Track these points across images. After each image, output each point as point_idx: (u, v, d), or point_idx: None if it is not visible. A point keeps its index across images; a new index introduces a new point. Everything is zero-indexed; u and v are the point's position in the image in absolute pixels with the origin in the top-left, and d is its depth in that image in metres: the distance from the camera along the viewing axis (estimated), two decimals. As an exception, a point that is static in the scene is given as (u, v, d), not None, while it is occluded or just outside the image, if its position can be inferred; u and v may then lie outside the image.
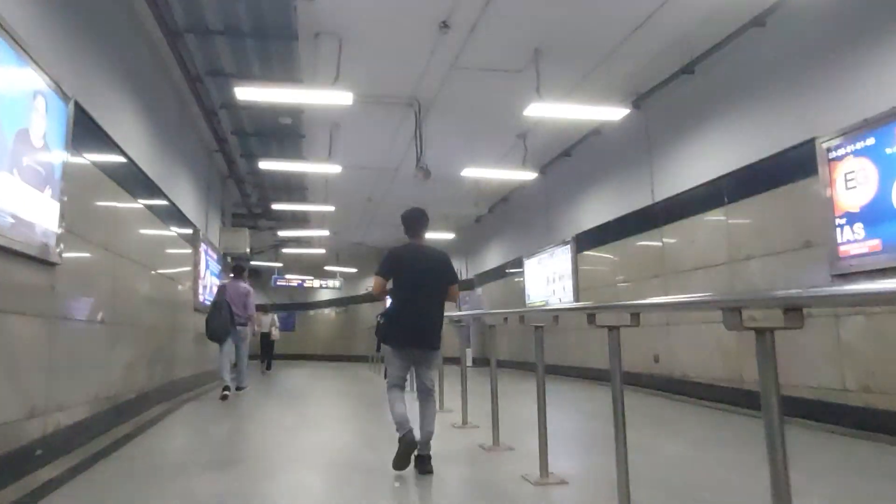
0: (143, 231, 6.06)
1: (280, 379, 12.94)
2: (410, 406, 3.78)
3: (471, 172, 9.28)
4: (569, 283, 10.23)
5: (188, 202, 8.49)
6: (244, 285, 8.40)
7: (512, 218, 13.43)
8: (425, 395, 3.88)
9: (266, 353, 15.18)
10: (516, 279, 13.13)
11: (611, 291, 8.81)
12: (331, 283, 21.09)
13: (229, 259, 12.20)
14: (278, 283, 20.35)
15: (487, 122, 8.83)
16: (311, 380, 13.22)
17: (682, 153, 7.23)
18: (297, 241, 17.04)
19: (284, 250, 17.62)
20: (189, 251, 8.44)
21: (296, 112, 8.04)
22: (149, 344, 6.23)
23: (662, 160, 7.61)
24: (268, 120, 8.46)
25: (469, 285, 16.54)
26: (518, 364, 12.53)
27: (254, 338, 9.46)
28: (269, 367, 14.79)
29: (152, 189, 6.38)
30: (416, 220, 4.05)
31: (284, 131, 8.79)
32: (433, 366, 3.99)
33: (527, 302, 12.21)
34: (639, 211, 8.09)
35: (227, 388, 7.72)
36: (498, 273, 14.43)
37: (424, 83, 7.50)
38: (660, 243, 7.58)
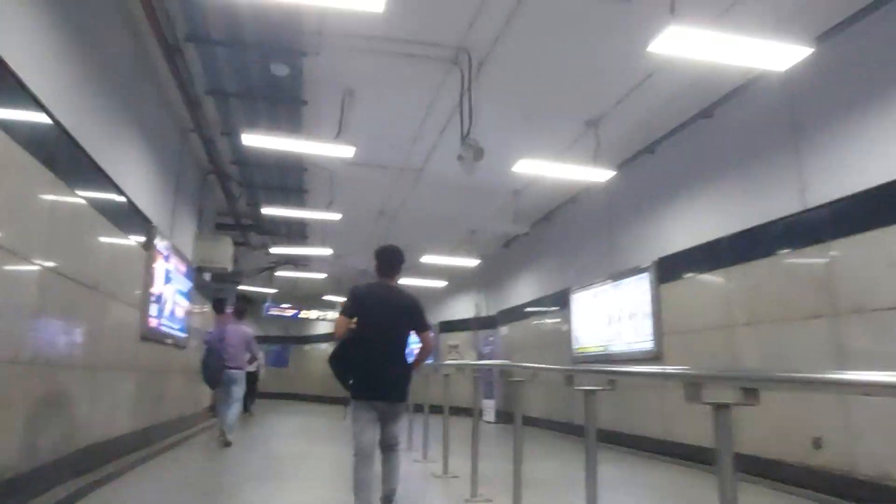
0: (47, 210, 3.73)
1: (260, 432, 10.34)
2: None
3: (526, 167, 6.91)
4: (645, 325, 7.77)
5: (143, 189, 6.14)
6: (245, 328, 7.83)
7: (554, 241, 11.03)
8: (389, 449, 3.69)
9: (247, 391, 12.60)
10: (556, 318, 10.67)
11: (720, 338, 6.33)
12: (329, 314, 18.58)
13: (205, 276, 9.76)
14: (271, 313, 17.86)
15: (550, 96, 6.56)
16: (300, 437, 10.60)
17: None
18: (294, 264, 14.62)
19: (279, 273, 15.17)
20: (138, 256, 6.04)
21: (294, 60, 5.71)
22: (43, 391, 3.78)
23: (819, 147, 5.27)
24: (255, 70, 6.07)
25: (490, 324, 14.04)
26: (558, 425, 9.97)
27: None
28: (246, 409, 12.14)
29: (72, 150, 4.08)
30: (390, 258, 3.86)
31: (278, 90, 6.45)
32: (399, 419, 3.74)
33: (574, 347, 9.73)
34: (777, 222, 5.68)
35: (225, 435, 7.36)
36: (528, 310, 11.96)
37: (476, 30, 5.27)
38: (823, 263, 5.14)
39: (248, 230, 11.73)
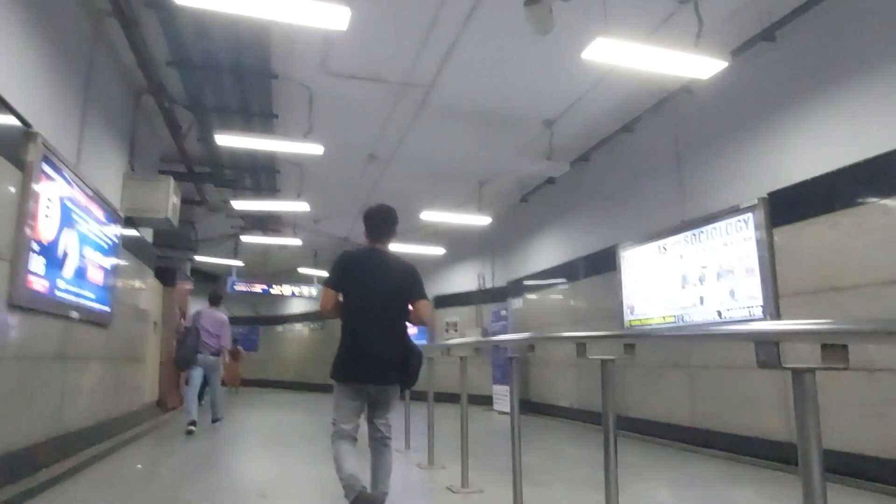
0: None
1: (221, 438, 8.05)
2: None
3: (598, 54, 4.64)
4: (749, 284, 5.67)
5: (14, 74, 3.78)
6: (221, 315, 7.85)
7: (594, 187, 8.86)
8: (380, 443, 3.21)
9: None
10: (595, 285, 8.55)
11: (888, 295, 4.26)
12: (305, 290, 16.20)
13: (140, 232, 7.37)
14: (236, 288, 15.40)
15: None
16: (276, 448, 8.35)
17: None
18: (263, 229, 12.20)
19: (245, 240, 12.73)
20: (3, 175, 3.68)
21: None
22: None
23: None
24: None
25: (498, 297, 11.89)
26: (592, 415, 7.90)
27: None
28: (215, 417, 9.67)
29: None
30: (381, 221, 3.36)
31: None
32: (391, 406, 3.24)
33: (626, 320, 7.62)
34: None
35: (192, 422, 7.16)
36: (552, 279, 9.81)
37: None
38: None
39: (204, 180, 9.30)
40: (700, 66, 4.87)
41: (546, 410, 9.71)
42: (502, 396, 10.62)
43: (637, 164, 7.74)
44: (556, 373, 9.51)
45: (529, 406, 10.28)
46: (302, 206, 9.42)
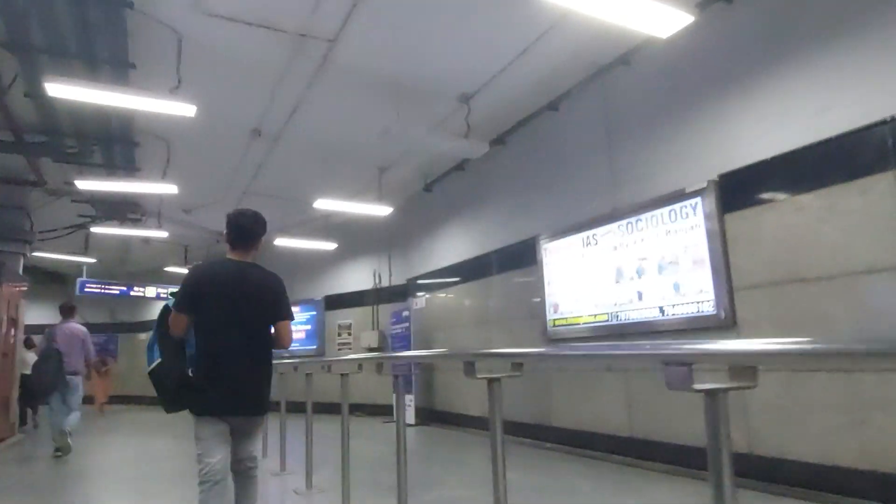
0: None
1: (66, 469, 6.33)
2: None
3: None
4: (697, 277, 5.10)
5: None
6: (78, 326, 7.34)
7: (510, 173, 8.07)
8: (247, 475, 2.98)
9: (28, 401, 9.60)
10: (513, 281, 7.79)
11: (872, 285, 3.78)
12: (172, 291, 14.14)
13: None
14: (89, 290, 13.11)
15: None
16: (134, 478, 6.79)
17: None
18: (120, 219, 10.27)
19: (97, 231, 10.68)
20: None
21: None
22: None
23: None
24: None
25: (397, 296, 10.91)
26: (508, 426, 7.07)
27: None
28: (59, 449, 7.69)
29: None
30: (248, 229, 2.98)
31: None
32: (257, 436, 3.10)
33: (549, 318, 6.90)
34: None
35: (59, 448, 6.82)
36: (460, 276, 8.95)
37: None
38: None
39: (38, 153, 7.43)
40: (663, 19, 4.16)
41: (453, 420, 8.81)
42: (407, 406, 9.59)
43: (562, 146, 7.05)
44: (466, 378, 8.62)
45: (434, 416, 9.35)
46: (168, 189, 7.83)
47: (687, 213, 5.26)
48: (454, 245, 9.29)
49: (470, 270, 8.74)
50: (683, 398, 5.25)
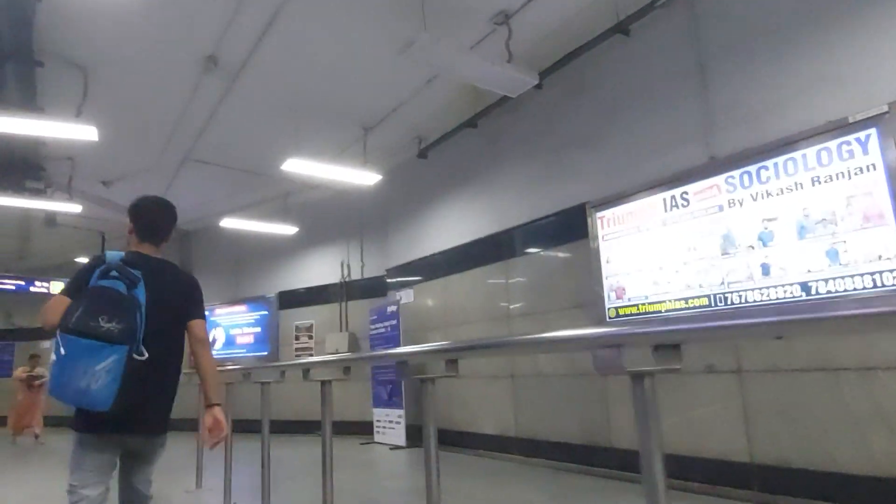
0: None
1: None
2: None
3: None
4: (869, 237, 3.62)
5: None
6: None
7: (539, 130, 6.45)
8: None
9: None
10: (554, 261, 6.15)
11: None
12: (87, 288, 11.63)
13: None
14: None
15: None
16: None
17: None
18: (12, 178, 7.89)
19: None
20: None
21: None
22: None
23: None
24: None
25: (374, 290, 9.11)
26: (536, 447, 5.51)
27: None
28: None
29: None
30: (157, 217, 2.61)
31: None
32: (156, 460, 2.50)
33: (609, 307, 5.29)
34: None
35: None
36: (472, 257, 7.21)
37: None
38: None
39: None
40: None
41: (456, 440, 7.04)
42: (389, 424, 7.71)
43: (628, 82, 5.45)
44: (479, 389, 6.88)
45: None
46: (83, 133, 5.68)
47: (852, 151, 3.78)
48: (455, 223, 7.54)
49: (479, 253, 7.03)
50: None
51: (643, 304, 5.03)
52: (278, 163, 7.11)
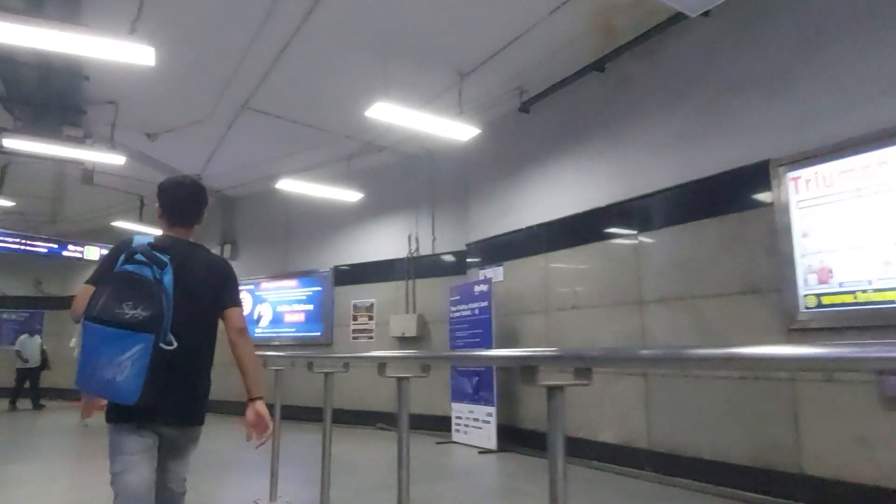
0: None
1: None
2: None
3: None
4: None
5: None
6: None
7: (691, 73, 5.23)
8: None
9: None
10: (714, 233, 4.93)
11: None
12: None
13: None
14: (1, 245, 9.54)
15: None
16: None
17: None
18: (45, 124, 6.85)
19: (13, 144, 7.11)
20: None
21: None
22: None
23: None
24: None
25: (447, 267, 8.05)
26: (675, 462, 4.36)
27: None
28: None
29: None
30: (187, 199, 2.45)
31: None
32: (188, 455, 2.38)
33: (805, 294, 4.08)
34: None
35: None
36: (586, 229, 6.03)
37: None
38: None
39: None
40: None
41: (569, 448, 5.90)
42: (474, 423, 6.59)
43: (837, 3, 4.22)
44: (598, 387, 5.73)
45: (518, 437, 6.41)
46: (138, 55, 4.58)
47: None
48: (563, 189, 6.34)
49: (599, 225, 5.83)
50: None
51: (865, 292, 3.81)
52: (349, 114, 5.99)
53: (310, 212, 9.77)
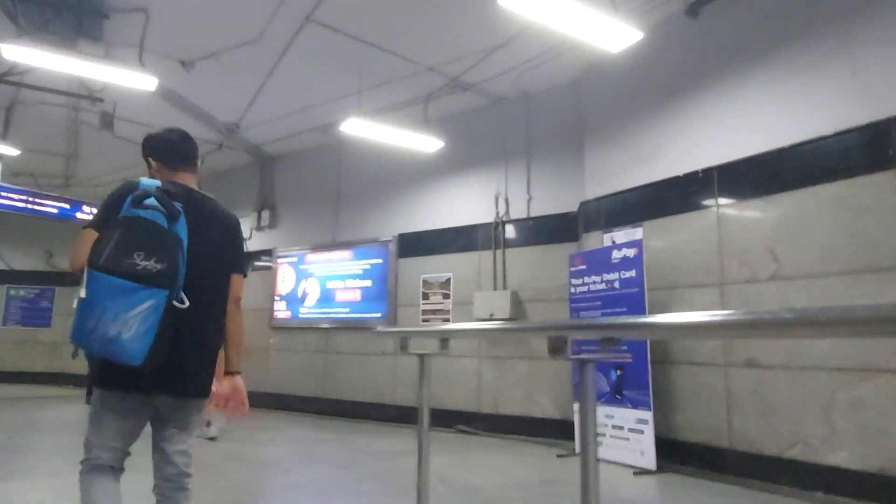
0: None
1: None
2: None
3: None
4: None
5: None
6: None
7: None
8: (172, 484, 2.01)
9: None
10: None
11: None
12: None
13: None
14: (1, 202, 8.05)
15: None
16: None
17: None
18: (62, 21, 5.29)
19: (11, 53, 5.52)
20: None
21: None
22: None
23: None
24: None
25: (542, 233, 6.43)
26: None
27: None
28: None
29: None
30: (179, 142, 2.20)
31: None
32: (192, 428, 2.09)
33: None
34: None
35: None
36: (783, 172, 4.38)
37: None
38: None
39: None
40: None
41: (731, 465, 4.29)
42: (618, 432, 4.95)
43: None
44: (771, 381, 4.09)
45: (679, 452, 4.80)
46: None
47: None
48: (751, 118, 4.68)
49: (821, 161, 4.19)
50: None
51: None
52: (441, 34, 4.29)
53: (369, 169, 8.18)
